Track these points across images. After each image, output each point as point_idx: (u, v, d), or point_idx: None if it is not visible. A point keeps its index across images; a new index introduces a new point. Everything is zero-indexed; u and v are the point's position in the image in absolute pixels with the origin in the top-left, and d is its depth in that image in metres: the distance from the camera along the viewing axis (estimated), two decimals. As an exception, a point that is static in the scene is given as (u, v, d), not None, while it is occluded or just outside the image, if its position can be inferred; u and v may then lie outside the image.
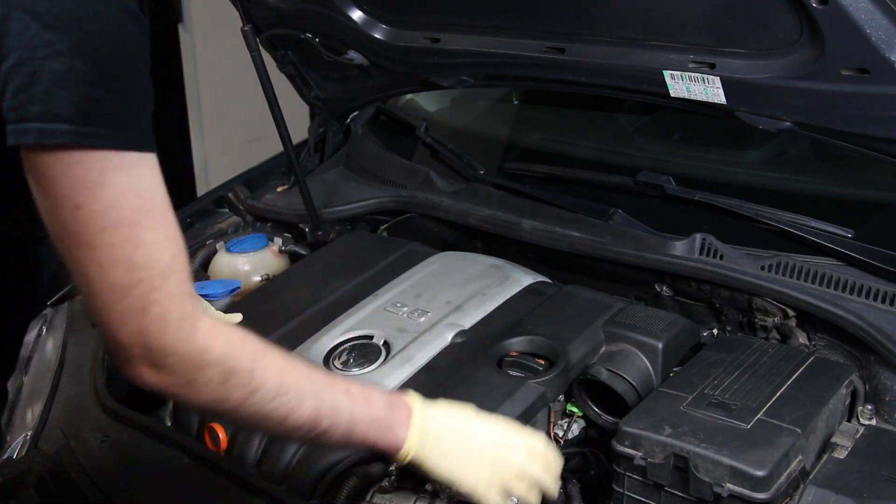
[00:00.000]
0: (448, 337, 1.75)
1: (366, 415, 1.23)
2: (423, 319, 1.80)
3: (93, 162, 1.01)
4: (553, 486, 1.33)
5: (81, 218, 1.01)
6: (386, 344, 1.75)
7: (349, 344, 1.77)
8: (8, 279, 1.54)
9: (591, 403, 1.66)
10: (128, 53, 1.05)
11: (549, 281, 1.99)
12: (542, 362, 1.66)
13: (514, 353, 1.69)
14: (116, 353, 1.08)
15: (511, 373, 1.65)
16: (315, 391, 1.19)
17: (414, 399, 1.30)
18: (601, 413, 1.65)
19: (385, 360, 1.70)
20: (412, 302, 1.86)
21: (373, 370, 1.68)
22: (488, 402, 1.54)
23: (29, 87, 1.00)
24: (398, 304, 1.86)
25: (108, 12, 1.03)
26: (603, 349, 1.70)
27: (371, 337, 1.78)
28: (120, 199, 1.02)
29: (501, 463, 1.29)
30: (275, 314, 1.89)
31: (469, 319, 1.80)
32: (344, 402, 1.21)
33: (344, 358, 1.73)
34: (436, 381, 1.62)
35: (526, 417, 1.55)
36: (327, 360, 1.73)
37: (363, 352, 1.73)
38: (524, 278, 1.95)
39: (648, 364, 1.66)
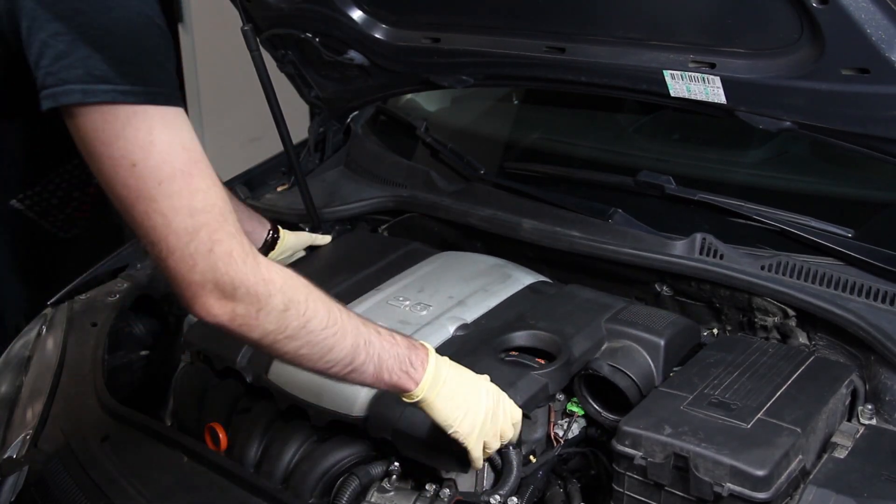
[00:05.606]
0: (450, 329, 1.75)
1: (392, 352, 1.34)
2: (425, 313, 1.80)
3: (139, 121, 1.11)
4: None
5: (139, 174, 1.11)
6: None
7: None
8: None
9: (591, 400, 1.66)
10: (149, 18, 1.14)
11: (550, 281, 1.99)
12: (542, 362, 1.65)
13: (514, 353, 1.69)
14: (187, 293, 1.17)
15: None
16: (354, 326, 1.31)
17: (428, 346, 1.42)
18: (601, 410, 1.65)
19: None
20: (414, 296, 1.86)
21: None
22: None
23: (69, 54, 1.09)
24: (400, 298, 1.86)
25: None
26: (605, 346, 1.70)
27: None
28: (170, 153, 1.13)
29: (492, 421, 1.42)
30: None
31: (471, 314, 1.80)
32: (375, 339, 1.33)
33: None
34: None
35: (528, 408, 1.55)
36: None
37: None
38: (526, 277, 1.95)
39: (650, 360, 1.65)
